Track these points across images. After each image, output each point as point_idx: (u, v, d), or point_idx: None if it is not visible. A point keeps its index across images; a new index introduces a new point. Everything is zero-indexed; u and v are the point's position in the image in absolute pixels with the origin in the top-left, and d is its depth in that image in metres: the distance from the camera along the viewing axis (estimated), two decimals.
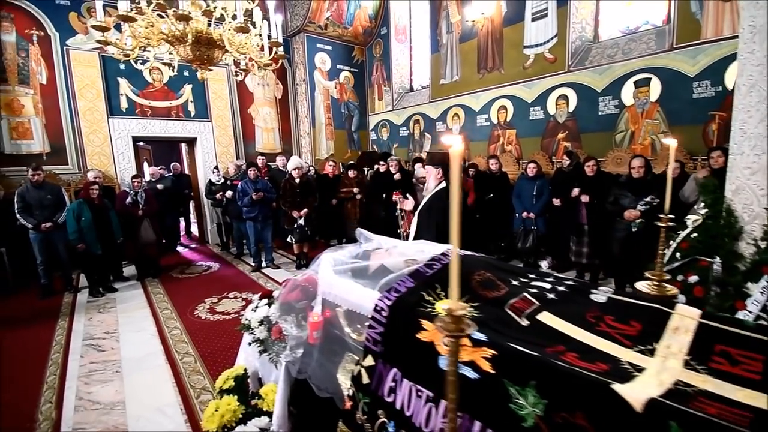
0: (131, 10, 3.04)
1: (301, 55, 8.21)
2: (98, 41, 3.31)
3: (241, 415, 1.73)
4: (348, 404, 1.27)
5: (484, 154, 6.59)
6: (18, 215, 4.74)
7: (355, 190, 6.01)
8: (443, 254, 1.59)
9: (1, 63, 5.68)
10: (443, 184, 2.65)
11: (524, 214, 5.02)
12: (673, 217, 1.62)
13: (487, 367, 1.01)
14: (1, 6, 5.63)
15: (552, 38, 5.71)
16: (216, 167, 7.16)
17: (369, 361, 1.26)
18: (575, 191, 4.40)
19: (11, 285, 5.21)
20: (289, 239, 5.82)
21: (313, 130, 8.51)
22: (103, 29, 3.06)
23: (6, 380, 3.05)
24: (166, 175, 7.41)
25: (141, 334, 3.83)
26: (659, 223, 1.61)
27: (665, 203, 1.62)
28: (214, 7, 3.33)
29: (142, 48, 3.50)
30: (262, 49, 3.92)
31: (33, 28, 5.87)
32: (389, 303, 1.29)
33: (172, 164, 7.83)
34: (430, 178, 2.69)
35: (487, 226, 5.32)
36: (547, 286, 1.34)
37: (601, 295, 1.25)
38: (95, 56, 6.30)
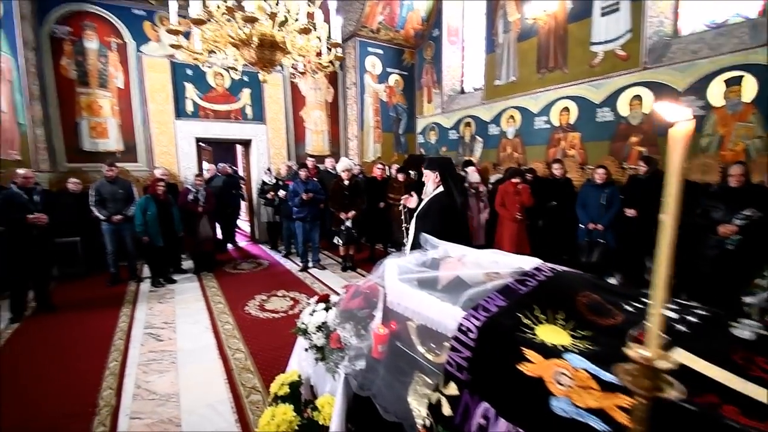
0: (202, 13, 3.14)
1: (352, 60, 8.26)
2: (171, 45, 3.46)
3: (296, 427, 1.65)
4: None
5: (542, 159, 6.21)
6: (93, 207, 5.11)
7: (404, 198, 5.87)
8: (537, 269, 1.40)
9: (84, 68, 6.20)
10: (441, 188, 2.62)
11: (590, 225, 4.61)
12: None
13: (622, 419, 0.81)
14: (86, 16, 6.15)
15: (624, 34, 5.25)
16: (269, 168, 7.35)
17: (452, 389, 1.10)
18: (629, 212, 3.96)
19: (83, 271, 5.64)
20: (335, 241, 5.81)
21: (361, 133, 8.53)
22: (176, 32, 3.19)
23: (72, 362, 3.23)
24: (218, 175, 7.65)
25: (196, 327, 3.94)
26: None
27: None
28: (278, 11, 3.37)
29: (210, 52, 3.63)
30: (318, 54, 3.94)
31: (112, 36, 6.36)
32: (478, 323, 1.12)
33: (219, 165, 7.85)
34: (429, 182, 2.66)
35: (548, 237, 4.96)
36: (673, 315, 1.11)
37: (744, 330, 1.01)
38: (166, 62, 6.71)
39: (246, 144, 8.01)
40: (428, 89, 8.67)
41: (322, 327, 1.89)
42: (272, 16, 3.25)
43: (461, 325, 1.17)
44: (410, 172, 6.54)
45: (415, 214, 2.71)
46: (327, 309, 2.00)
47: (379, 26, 8.03)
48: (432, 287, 1.51)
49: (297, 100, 8.20)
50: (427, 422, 1.13)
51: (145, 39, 6.59)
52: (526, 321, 1.13)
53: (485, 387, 1.06)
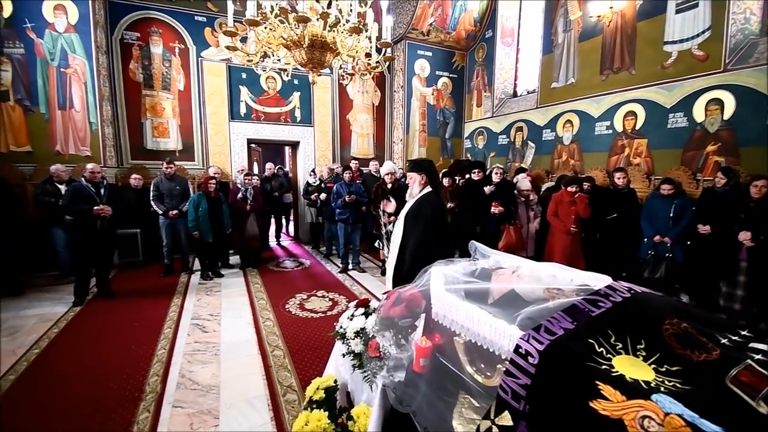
0: (257, 15, 3.22)
1: (401, 63, 8.21)
2: (227, 47, 3.58)
3: None
4: None
5: (602, 167, 5.75)
6: (152, 202, 5.45)
7: (450, 204, 5.69)
8: (610, 288, 1.21)
9: (149, 71, 6.67)
10: (428, 189, 2.69)
11: (656, 239, 4.18)
12: None
13: None
14: (153, 23, 6.61)
15: (703, 32, 4.74)
16: (313, 170, 7.47)
17: (506, 419, 0.96)
18: (743, 236, 3.50)
19: (141, 261, 6.03)
20: (376, 244, 5.75)
21: (406, 137, 8.44)
22: (233, 34, 3.29)
23: (125, 347, 3.40)
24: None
25: (239, 321, 4.03)
26: None
27: None
28: (329, 11, 3.38)
29: (263, 55, 3.72)
30: (368, 56, 3.91)
31: (176, 42, 6.79)
32: (540, 347, 0.97)
33: (266, 165, 7.76)
34: (414, 184, 2.72)
35: (605, 251, 4.56)
36: None
37: None
38: (223, 66, 7.05)
39: (294, 146, 8.22)
40: (478, 92, 8.41)
41: (361, 333, 1.80)
42: (323, 16, 3.26)
43: (519, 346, 1.02)
44: (456, 177, 6.35)
45: (404, 215, 2.71)
46: (366, 314, 1.91)
47: (429, 28, 7.92)
48: (482, 300, 1.37)
49: (344, 103, 8.29)
50: None
51: (206, 44, 6.96)
52: (599, 349, 0.96)
53: (548, 423, 0.90)
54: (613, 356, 0.94)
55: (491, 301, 1.32)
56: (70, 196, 4.30)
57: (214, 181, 5.44)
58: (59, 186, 5.12)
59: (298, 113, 7.77)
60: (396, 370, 1.60)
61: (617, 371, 0.89)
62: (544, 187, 5.89)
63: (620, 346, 0.97)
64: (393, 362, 1.61)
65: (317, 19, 3.31)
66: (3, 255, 4.65)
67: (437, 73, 8.53)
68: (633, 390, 0.83)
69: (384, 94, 8.64)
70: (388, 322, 1.61)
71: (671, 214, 4.16)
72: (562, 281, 1.33)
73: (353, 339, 1.80)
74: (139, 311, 4.22)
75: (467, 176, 6.32)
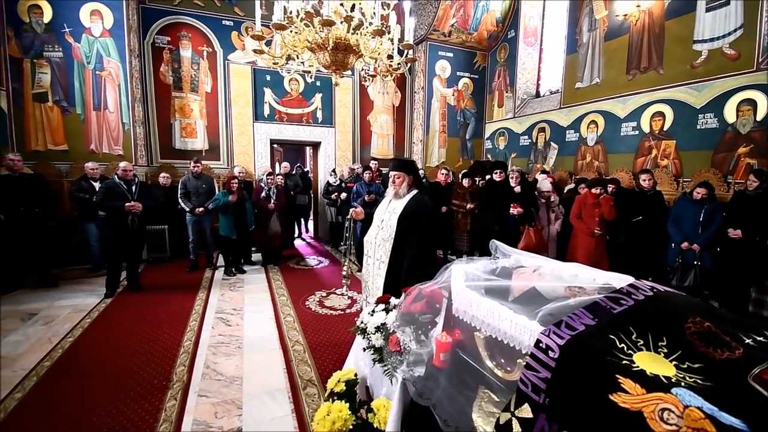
0: (283, 19, 3.31)
1: (422, 64, 8.23)
2: (254, 50, 3.70)
3: (351, 426, 1.61)
4: None
5: (627, 168, 5.61)
6: (180, 199, 5.66)
7: (470, 206, 5.67)
8: (632, 286, 1.21)
9: (179, 74, 6.91)
10: (415, 190, 2.75)
11: (684, 245, 4.05)
12: None
13: None
14: (183, 27, 6.85)
15: (735, 30, 4.58)
16: (333, 170, 7.58)
17: (525, 411, 0.98)
18: None
19: (168, 257, 6.25)
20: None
21: (426, 138, 8.45)
22: (260, 38, 3.40)
23: (153, 338, 3.55)
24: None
25: (260, 316, 4.14)
26: None
27: None
28: (353, 15, 3.44)
29: (287, 57, 3.81)
30: (389, 57, 3.95)
31: (204, 45, 7.02)
32: (560, 342, 0.99)
33: (282, 164, 7.79)
34: (403, 184, 2.71)
35: (630, 255, 4.46)
36: None
37: None
38: (248, 69, 7.25)
39: (315, 146, 8.35)
40: (500, 93, 8.35)
41: (381, 328, 1.84)
42: (348, 19, 3.33)
43: (539, 341, 1.03)
44: (476, 178, 6.32)
45: (398, 215, 2.63)
46: (387, 311, 1.95)
47: (451, 29, 7.92)
48: (502, 297, 1.38)
49: (365, 104, 8.37)
50: None
51: (232, 48, 7.17)
52: (620, 345, 0.97)
53: (567, 415, 0.92)
54: (634, 352, 0.95)
55: (512, 299, 1.34)
56: (103, 193, 4.51)
57: (235, 180, 5.59)
58: (93, 183, 5.39)
59: (319, 114, 7.90)
60: (416, 365, 1.64)
61: (638, 366, 0.90)
62: (566, 189, 5.79)
63: (641, 342, 0.98)
64: (413, 357, 1.64)
65: (341, 23, 3.38)
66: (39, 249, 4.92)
67: (458, 73, 8.51)
68: (653, 384, 0.84)
69: (404, 95, 8.68)
70: (408, 318, 1.64)
71: (701, 219, 4.03)
72: (584, 280, 1.33)
73: (374, 334, 1.84)
74: (166, 304, 4.39)
75: (487, 177, 6.30)
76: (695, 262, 4.00)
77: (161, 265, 6.03)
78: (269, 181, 6.06)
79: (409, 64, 4.03)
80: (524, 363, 1.04)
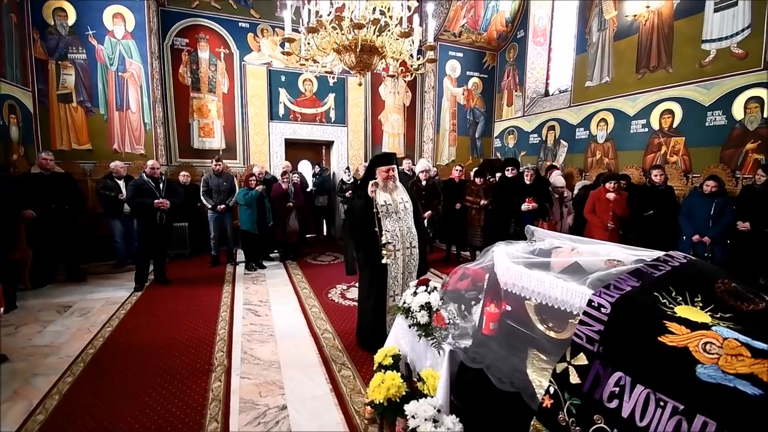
0: (313, 22, 3.49)
1: (429, 65, 8.38)
2: (283, 52, 3.87)
3: (404, 393, 1.78)
4: (547, 402, 1.18)
5: (637, 165, 5.77)
6: (202, 197, 5.84)
7: (483, 201, 5.83)
8: (668, 255, 1.39)
9: (197, 75, 7.10)
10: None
11: (695, 238, 4.20)
12: None
13: None
14: (200, 29, 7.04)
15: (743, 30, 4.73)
16: (347, 168, 7.75)
17: (581, 359, 1.15)
18: None
19: (189, 253, 6.44)
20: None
21: (436, 136, 8.62)
22: (290, 40, 3.57)
23: (188, 327, 3.74)
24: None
25: (286, 307, 4.32)
26: None
27: None
28: (380, 18, 3.61)
29: (314, 61, 3.98)
30: (411, 57, 4.12)
31: (221, 47, 7.20)
32: (611, 299, 1.16)
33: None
34: (398, 174, 3.21)
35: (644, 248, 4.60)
36: None
37: None
38: (264, 70, 7.43)
39: (328, 145, 8.53)
40: (509, 92, 8.51)
41: (425, 306, 2.01)
42: (374, 22, 3.50)
43: (591, 301, 1.20)
44: (487, 175, 6.48)
45: (411, 200, 3.23)
46: (428, 291, 2.11)
47: (461, 29, 8.09)
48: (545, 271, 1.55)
49: (377, 104, 8.54)
50: (552, 389, 1.18)
51: (248, 49, 7.35)
52: (663, 300, 1.14)
53: (619, 358, 1.09)
54: (675, 306, 1.12)
55: (557, 272, 1.50)
56: (133, 190, 4.69)
57: (253, 177, 5.76)
58: (118, 181, 5.57)
59: (332, 113, 8.08)
60: (461, 338, 1.80)
61: (680, 316, 1.07)
62: (579, 185, 5.94)
63: (681, 298, 1.15)
64: (458, 331, 1.81)
65: (369, 25, 3.55)
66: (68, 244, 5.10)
67: (468, 73, 8.68)
68: (696, 325, 1.02)
69: (415, 94, 8.85)
70: (454, 295, 1.81)
71: (711, 213, 4.17)
72: (619, 255, 1.50)
73: (419, 312, 2.01)
74: (195, 297, 4.57)
75: (497, 174, 6.46)
76: (706, 254, 4.14)
77: (182, 261, 6.21)
78: (285, 179, 6.22)
79: (429, 65, 4.19)
80: (577, 321, 1.20)
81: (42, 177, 4.88)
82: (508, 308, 1.55)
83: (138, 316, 4.02)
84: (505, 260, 1.59)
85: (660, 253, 1.43)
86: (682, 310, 1.08)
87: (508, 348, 1.46)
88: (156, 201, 4.68)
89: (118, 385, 2.75)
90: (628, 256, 1.46)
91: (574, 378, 1.14)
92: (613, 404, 1.04)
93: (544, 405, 1.19)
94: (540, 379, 1.30)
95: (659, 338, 1.01)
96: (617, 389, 1.04)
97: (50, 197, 4.83)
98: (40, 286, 4.81)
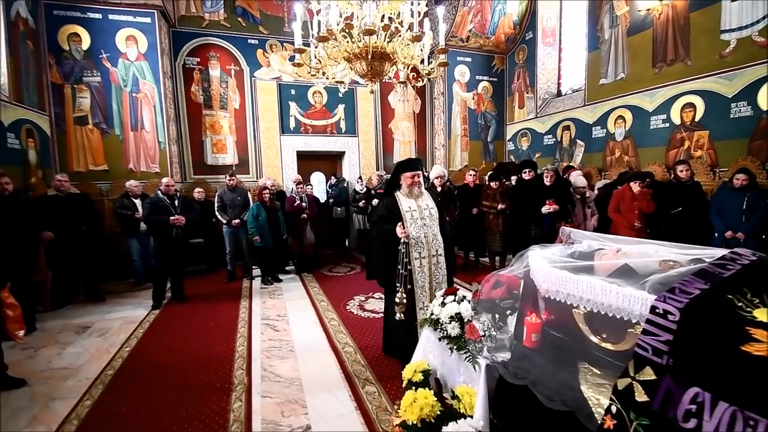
0: (324, 32, 3.46)
1: (441, 70, 8.34)
2: (294, 63, 3.85)
3: (438, 412, 1.66)
4: (609, 423, 1.06)
5: (660, 161, 5.57)
6: (217, 212, 5.83)
7: (501, 206, 5.68)
8: (734, 253, 1.26)
9: (209, 92, 7.19)
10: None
11: (728, 234, 4.00)
12: None
13: None
14: (211, 48, 7.14)
15: (764, 18, 4.56)
16: (360, 177, 7.70)
17: (647, 374, 1.02)
18: None
19: (204, 269, 6.42)
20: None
21: (448, 142, 8.53)
22: (301, 51, 3.54)
23: (207, 344, 3.66)
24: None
25: (305, 320, 4.23)
26: None
27: None
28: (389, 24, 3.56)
29: (322, 72, 3.95)
30: (421, 62, 4.06)
31: (231, 64, 7.29)
32: (679, 305, 1.03)
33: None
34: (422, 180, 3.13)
35: None
36: None
37: None
38: (274, 85, 7.48)
39: (339, 156, 8.51)
40: (520, 94, 8.40)
41: (456, 317, 1.89)
42: (385, 28, 3.46)
43: (655, 307, 1.08)
44: (502, 179, 6.34)
45: (437, 207, 3.13)
46: (457, 301, 2.00)
47: (469, 34, 8.04)
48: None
49: (386, 112, 8.52)
50: (613, 409, 1.06)
51: (258, 65, 7.42)
52: (739, 304, 1.01)
53: (695, 371, 0.96)
54: (753, 309, 0.99)
55: (605, 276, 1.38)
56: (149, 208, 4.69)
57: (267, 191, 5.74)
58: (134, 200, 5.60)
59: (343, 124, 8.07)
60: (497, 351, 1.68)
61: (763, 321, 0.94)
62: (600, 185, 5.76)
63: (757, 300, 1.02)
64: (494, 343, 1.68)
65: (379, 31, 3.50)
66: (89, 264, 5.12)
67: (477, 77, 8.62)
68: None
69: (424, 101, 8.81)
70: (488, 305, 1.69)
71: (744, 207, 3.97)
72: (672, 255, 1.37)
73: (449, 323, 1.89)
74: (213, 313, 4.51)
75: (513, 178, 6.32)
76: None
77: (199, 277, 6.18)
78: (299, 190, 6.19)
79: (441, 69, 4.12)
80: (640, 330, 1.08)
81: (58, 198, 4.92)
82: (551, 317, 1.43)
83: (156, 335, 3.98)
84: (545, 265, 1.47)
85: (723, 251, 1.29)
86: (762, 314, 0.96)
87: (555, 362, 1.33)
88: (172, 218, 4.67)
89: (137, 408, 2.68)
90: (681, 255, 1.33)
91: (640, 395, 1.01)
92: (691, 424, 0.91)
93: (605, 426, 1.06)
94: (597, 397, 1.17)
95: (742, 347, 0.89)
96: (694, 407, 0.92)
97: (67, 218, 4.87)
98: (60, 307, 4.82)
